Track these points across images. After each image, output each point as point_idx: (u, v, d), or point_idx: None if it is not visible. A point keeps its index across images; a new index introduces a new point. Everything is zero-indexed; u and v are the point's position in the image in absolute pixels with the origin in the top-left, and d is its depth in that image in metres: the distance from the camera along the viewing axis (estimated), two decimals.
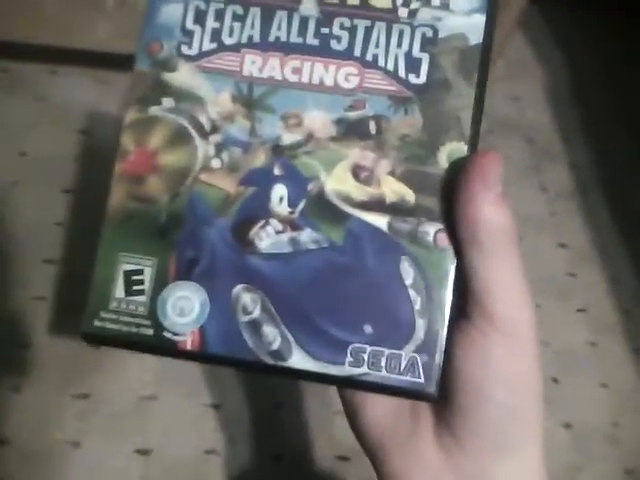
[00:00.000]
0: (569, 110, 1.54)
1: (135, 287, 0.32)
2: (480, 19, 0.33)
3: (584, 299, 1.31)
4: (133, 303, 0.32)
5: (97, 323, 0.32)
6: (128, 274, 0.32)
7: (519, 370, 0.30)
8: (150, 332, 0.32)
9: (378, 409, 0.34)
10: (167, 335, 0.32)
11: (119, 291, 0.32)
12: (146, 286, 0.32)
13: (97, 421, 1.01)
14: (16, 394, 1.01)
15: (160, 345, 0.32)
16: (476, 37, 0.33)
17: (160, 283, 0.32)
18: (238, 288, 0.32)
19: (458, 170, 0.31)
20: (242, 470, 1.02)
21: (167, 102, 0.33)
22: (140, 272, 0.32)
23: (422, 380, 0.31)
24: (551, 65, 1.61)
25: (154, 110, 0.33)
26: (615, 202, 1.43)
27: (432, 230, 0.31)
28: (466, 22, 0.33)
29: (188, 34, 0.33)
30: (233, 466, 1.03)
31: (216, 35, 0.33)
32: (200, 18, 0.34)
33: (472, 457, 0.31)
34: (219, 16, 0.33)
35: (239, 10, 0.33)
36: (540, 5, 1.57)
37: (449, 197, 0.31)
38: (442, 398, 0.31)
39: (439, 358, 0.31)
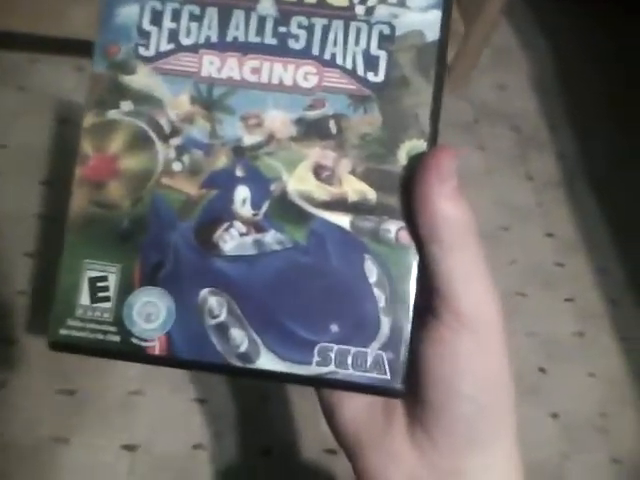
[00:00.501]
0: (555, 98, 1.54)
1: (100, 294, 0.32)
2: (436, 15, 0.33)
3: (571, 289, 1.31)
4: (99, 310, 0.32)
5: (63, 331, 0.32)
6: (93, 281, 0.32)
7: (488, 365, 0.31)
8: (117, 339, 0.32)
9: (353, 407, 0.34)
10: (134, 341, 0.32)
11: (84, 298, 0.32)
12: (111, 292, 0.32)
13: (83, 417, 1.01)
14: (2, 390, 1.00)
15: (128, 351, 0.32)
16: (433, 33, 0.33)
17: (125, 289, 0.32)
18: (204, 292, 0.32)
19: (415, 167, 0.31)
20: (230, 464, 1.02)
21: (126, 105, 0.33)
22: (105, 279, 0.32)
23: (388, 376, 0.31)
24: (537, 53, 1.60)
25: (113, 114, 0.33)
26: (602, 192, 1.43)
27: (394, 228, 0.32)
28: (423, 18, 0.33)
29: (145, 35, 0.33)
30: (221, 461, 1.03)
31: (173, 36, 0.33)
32: (156, 19, 0.33)
33: (445, 453, 0.31)
34: (176, 16, 0.33)
35: (196, 10, 0.33)
36: None
37: (409, 194, 0.31)
38: (413, 395, 0.32)
39: (404, 354, 0.32)
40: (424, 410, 0.31)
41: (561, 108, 1.53)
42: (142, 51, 0.33)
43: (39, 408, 1.00)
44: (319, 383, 0.32)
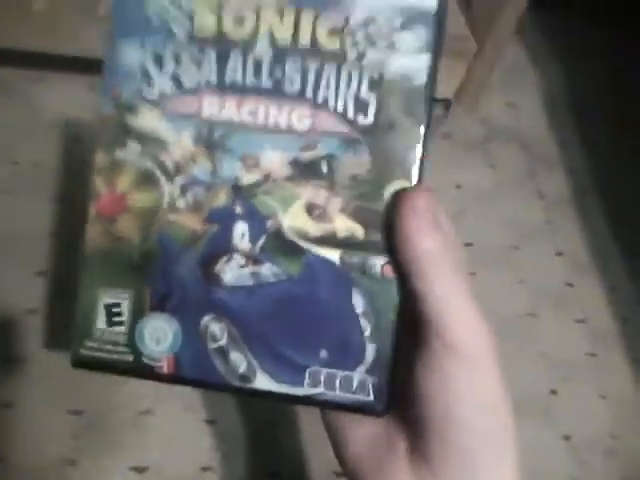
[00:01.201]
0: (566, 116, 1.54)
1: (115, 318, 0.36)
2: (425, 58, 0.34)
3: (582, 309, 1.31)
4: (114, 333, 0.36)
5: (83, 351, 0.36)
6: (108, 307, 0.36)
7: (485, 393, 0.31)
8: (130, 358, 0.36)
9: (358, 437, 0.36)
10: (145, 361, 0.35)
11: (101, 322, 0.36)
12: (125, 317, 0.35)
13: (92, 438, 1.01)
14: (8, 410, 1.00)
15: (139, 370, 0.36)
16: (421, 77, 0.34)
17: (137, 315, 0.35)
18: (206, 318, 0.35)
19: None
20: None
21: (133, 146, 0.35)
22: (118, 305, 0.35)
23: (372, 398, 0.34)
24: (547, 72, 1.61)
25: (121, 154, 0.35)
26: (612, 209, 1.43)
27: (379, 263, 0.34)
28: (411, 62, 0.34)
29: (148, 78, 0.35)
30: None
31: (175, 79, 0.35)
32: (158, 62, 0.35)
33: None
34: (177, 59, 0.35)
35: (195, 53, 0.35)
36: (536, 12, 1.56)
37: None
38: (414, 426, 0.33)
39: (387, 379, 0.34)
40: (424, 440, 0.32)
41: (571, 127, 1.53)
42: (146, 93, 0.35)
43: (46, 428, 1.00)
44: (309, 402, 0.35)
